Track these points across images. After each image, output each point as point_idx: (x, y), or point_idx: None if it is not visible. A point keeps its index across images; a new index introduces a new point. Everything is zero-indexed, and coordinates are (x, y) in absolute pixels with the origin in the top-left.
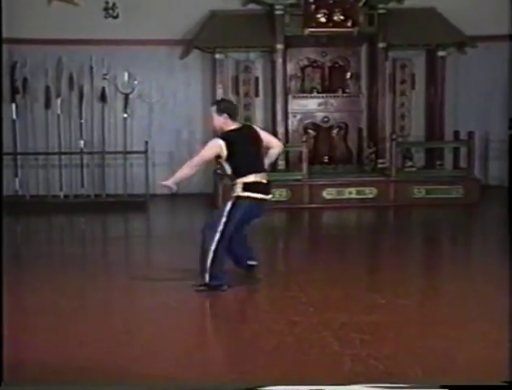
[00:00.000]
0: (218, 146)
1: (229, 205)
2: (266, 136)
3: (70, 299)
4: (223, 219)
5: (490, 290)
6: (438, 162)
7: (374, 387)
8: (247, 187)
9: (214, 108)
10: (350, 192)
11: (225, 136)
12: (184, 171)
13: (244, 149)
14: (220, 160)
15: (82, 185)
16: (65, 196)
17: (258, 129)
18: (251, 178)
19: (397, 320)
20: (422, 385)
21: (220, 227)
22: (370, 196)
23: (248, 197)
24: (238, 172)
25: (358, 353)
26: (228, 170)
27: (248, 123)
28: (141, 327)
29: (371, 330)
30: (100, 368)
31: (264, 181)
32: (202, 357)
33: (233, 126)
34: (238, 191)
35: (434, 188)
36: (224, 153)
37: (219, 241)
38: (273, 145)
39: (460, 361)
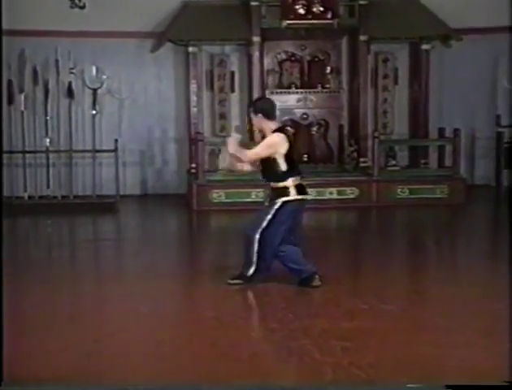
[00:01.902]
0: (280, 140)
1: (277, 206)
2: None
3: (34, 306)
4: (265, 223)
5: (477, 294)
6: (422, 161)
7: (376, 387)
8: (299, 189)
9: (250, 109)
10: (331, 193)
11: (281, 130)
12: (243, 156)
13: (295, 147)
14: (275, 156)
15: (48, 186)
16: (29, 197)
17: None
18: (298, 180)
19: (381, 326)
20: (425, 385)
21: (260, 230)
22: (352, 196)
23: (298, 200)
24: (291, 171)
25: (340, 362)
26: (283, 166)
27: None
28: (111, 335)
29: (353, 337)
30: (65, 380)
31: (303, 183)
32: (176, 366)
33: (274, 126)
34: (293, 193)
35: (418, 188)
36: (285, 147)
37: (260, 243)
38: None
39: (447, 369)
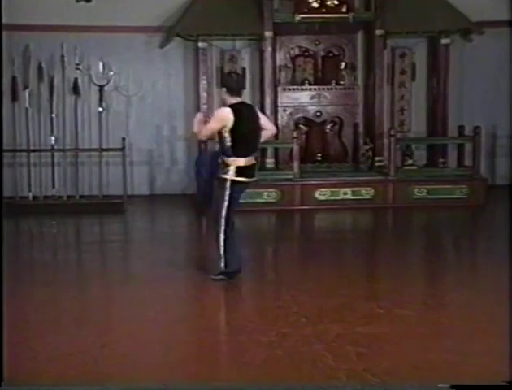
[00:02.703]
0: (225, 114)
1: (228, 188)
2: (263, 117)
3: (39, 310)
4: (225, 206)
5: (496, 300)
6: (441, 160)
7: (378, 387)
8: (240, 171)
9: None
10: (345, 193)
11: (231, 105)
12: (201, 129)
13: (246, 124)
14: (223, 130)
15: (53, 186)
16: (34, 197)
17: (257, 109)
18: (243, 161)
19: (396, 331)
20: (430, 385)
21: (224, 213)
22: (367, 196)
23: (240, 182)
24: (237, 148)
25: (354, 368)
26: (229, 141)
27: (248, 102)
28: (118, 340)
29: (368, 342)
30: (71, 385)
31: (254, 162)
32: (185, 372)
33: (234, 101)
34: (231, 174)
35: (436, 188)
36: (231, 121)
37: (226, 225)
38: (268, 127)
39: (464, 376)
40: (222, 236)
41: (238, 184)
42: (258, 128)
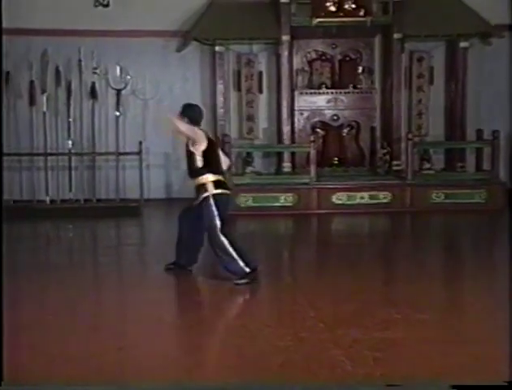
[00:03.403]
0: (201, 133)
1: (213, 205)
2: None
3: (56, 314)
4: (217, 220)
5: None
6: (459, 164)
7: (381, 387)
8: (217, 184)
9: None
10: (362, 197)
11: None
12: (179, 125)
13: (215, 147)
14: (195, 149)
15: (70, 189)
16: (51, 201)
17: None
18: (215, 177)
19: (414, 337)
20: (430, 385)
21: (218, 228)
22: (384, 201)
23: (222, 193)
24: (208, 168)
25: (372, 373)
26: (200, 162)
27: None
28: (135, 344)
29: (386, 347)
30: (72, 386)
31: (224, 180)
32: (202, 376)
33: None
34: (211, 189)
35: (454, 193)
36: (204, 143)
37: (226, 237)
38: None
39: (484, 382)
40: (227, 245)
41: (220, 197)
42: (219, 155)
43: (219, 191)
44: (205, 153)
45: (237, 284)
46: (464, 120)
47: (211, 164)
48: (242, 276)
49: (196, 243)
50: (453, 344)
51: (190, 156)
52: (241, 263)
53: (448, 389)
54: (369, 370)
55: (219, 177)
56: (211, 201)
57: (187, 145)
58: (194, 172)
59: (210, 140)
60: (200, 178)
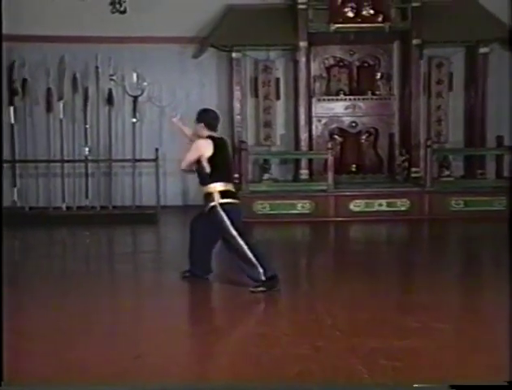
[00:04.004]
0: (203, 144)
1: (222, 214)
2: None
3: (72, 321)
4: (232, 229)
5: None
6: (479, 171)
7: (381, 387)
8: (224, 194)
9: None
10: (380, 205)
11: (210, 137)
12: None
13: (224, 153)
14: (202, 159)
15: (86, 196)
16: (67, 208)
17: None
18: (223, 186)
19: (433, 346)
20: (430, 385)
21: (236, 236)
22: (403, 208)
23: (229, 203)
24: (214, 175)
25: (389, 383)
26: (207, 168)
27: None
28: (150, 352)
29: (404, 356)
30: (72, 386)
31: (233, 190)
32: (218, 385)
33: (212, 134)
34: (217, 199)
35: (474, 200)
36: (210, 150)
37: (247, 243)
38: None
39: (484, 382)
40: (247, 250)
41: (228, 206)
42: (232, 159)
43: (225, 201)
44: (211, 160)
45: (253, 292)
46: (484, 126)
47: (220, 171)
48: (258, 284)
49: (209, 251)
50: (473, 354)
51: (198, 162)
52: (260, 269)
53: (447, 389)
54: (387, 380)
55: (227, 187)
56: (219, 209)
57: None
58: (203, 179)
59: (218, 146)
60: (208, 186)
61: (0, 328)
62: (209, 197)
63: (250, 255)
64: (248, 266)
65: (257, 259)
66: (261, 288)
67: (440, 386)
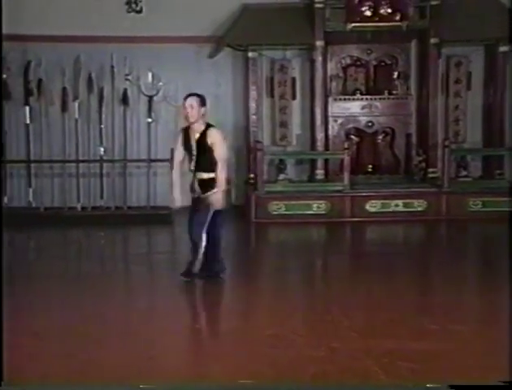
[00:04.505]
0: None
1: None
2: None
3: (87, 322)
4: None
5: None
6: (497, 172)
7: (379, 387)
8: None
9: (197, 99)
10: (397, 205)
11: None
12: (223, 176)
13: None
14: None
15: (101, 196)
16: (83, 208)
17: None
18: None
19: (450, 348)
20: (428, 385)
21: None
22: (420, 209)
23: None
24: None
25: (407, 385)
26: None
27: None
28: (165, 353)
29: (421, 358)
30: (72, 386)
31: None
32: (232, 386)
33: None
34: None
35: (492, 201)
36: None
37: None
38: None
39: (484, 382)
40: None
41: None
42: None
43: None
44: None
45: (181, 275)
46: (503, 126)
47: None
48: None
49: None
50: (491, 357)
51: (208, 150)
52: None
53: (446, 389)
54: (404, 382)
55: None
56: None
57: (201, 140)
58: (210, 166)
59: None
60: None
61: (0, 328)
62: (212, 182)
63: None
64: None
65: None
66: (186, 278)
67: (440, 386)
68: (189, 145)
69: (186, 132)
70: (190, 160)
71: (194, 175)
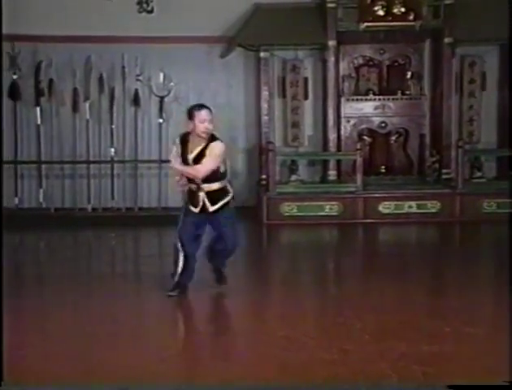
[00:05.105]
0: (223, 147)
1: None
2: None
3: (98, 324)
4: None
5: None
6: None
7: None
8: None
9: (210, 114)
10: (410, 206)
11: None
12: (191, 172)
13: None
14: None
15: (112, 197)
16: (93, 209)
17: None
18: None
19: (464, 351)
20: (426, 385)
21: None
22: (433, 210)
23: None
24: (225, 172)
25: (407, 385)
26: (223, 168)
27: None
28: (177, 355)
29: (435, 362)
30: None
31: None
32: (244, 388)
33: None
34: (231, 191)
35: (507, 202)
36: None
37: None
38: None
39: (482, 382)
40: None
41: (186, 207)
42: None
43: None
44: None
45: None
46: None
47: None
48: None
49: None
50: (506, 361)
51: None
52: (177, 277)
53: (444, 389)
54: (417, 385)
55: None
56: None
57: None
58: (214, 177)
59: None
60: (218, 183)
61: (0, 328)
62: (224, 191)
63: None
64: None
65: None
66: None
67: (438, 386)
68: (186, 158)
69: (185, 141)
70: None
71: (198, 189)
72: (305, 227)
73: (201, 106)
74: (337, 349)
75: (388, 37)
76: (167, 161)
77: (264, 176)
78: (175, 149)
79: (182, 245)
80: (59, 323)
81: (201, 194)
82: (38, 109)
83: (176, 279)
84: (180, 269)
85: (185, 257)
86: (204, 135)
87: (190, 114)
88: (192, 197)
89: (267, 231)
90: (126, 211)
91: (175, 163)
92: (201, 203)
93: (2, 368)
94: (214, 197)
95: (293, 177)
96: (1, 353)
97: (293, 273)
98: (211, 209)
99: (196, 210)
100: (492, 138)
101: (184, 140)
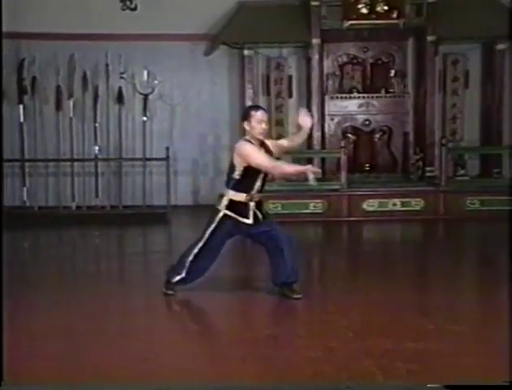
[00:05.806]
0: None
1: (216, 221)
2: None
3: (82, 323)
4: (202, 241)
5: None
6: (495, 170)
7: (377, 387)
8: (230, 205)
9: (265, 115)
10: (394, 204)
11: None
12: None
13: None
14: (236, 163)
15: (96, 195)
16: (77, 207)
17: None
18: (238, 196)
19: (449, 349)
20: (424, 385)
21: (196, 250)
22: (417, 208)
23: (230, 217)
24: (242, 183)
25: (405, 385)
26: (237, 175)
27: None
28: (161, 354)
29: (419, 359)
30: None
31: (248, 201)
32: (230, 387)
33: None
34: (222, 206)
35: (490, 200)
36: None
37: (197, 255)
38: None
39: (481, 382)
40: (190, 258)
41: (227, 220)
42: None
43: (228, 213)
44: (245, 170)
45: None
46: (500, 125)
47: (245, 182)
48: (169, 281)
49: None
50: (489, 359)
51: (232, 165)
52: (178, 277)
53: (442, 389)
54: (401, 382)
55: (240, 198)
56: (216, 218)
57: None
58: (226, 181)
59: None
60: (226, 191)
61: (0, 328)
62: (219, 199)
63: (188, 262)
64: (178, 266)
65: (187, 270)
66: (168, 290)
67: (435, 386)
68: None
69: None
70: (255, 179)
71: (251, 199)
72: (290, 225)
73: (257, 107)
74: (322, 347)
75: (372, 35)
76: (152, 159)
77: None
78: (263, 152)
79: (194, 260)
80: (44, 322)
81: (252, 204)
82: (21, 107)
83: (173, 282)
84: (178, 278)
85: (188, 273)
86: (261, 136)
87: (247, 115)
88: (241, 208)
89: None
90: (110, 209)
91: (285, 165)
92: (251, 213)
93: (2, 368)
94: (260, 205)
95: None
96: (1, 353)
97: None
98: (261, 217)
99: (249, 221)
100: (475, 136)
101: (255, 145)
